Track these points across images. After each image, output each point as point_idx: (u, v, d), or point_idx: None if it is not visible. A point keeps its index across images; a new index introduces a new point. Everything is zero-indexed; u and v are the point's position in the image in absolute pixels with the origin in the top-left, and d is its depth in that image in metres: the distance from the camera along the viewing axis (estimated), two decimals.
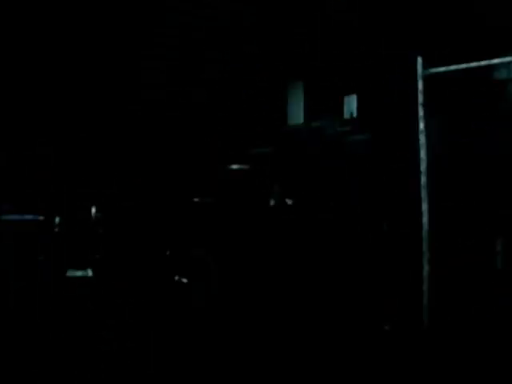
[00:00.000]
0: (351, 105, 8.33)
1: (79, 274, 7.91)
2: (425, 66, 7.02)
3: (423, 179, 6.92)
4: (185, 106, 11.26)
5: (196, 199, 8.63)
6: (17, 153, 10.29)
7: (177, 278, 7.60)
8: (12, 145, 10.34)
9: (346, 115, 8.29)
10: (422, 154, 6.98)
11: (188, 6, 11.09)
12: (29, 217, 8.13)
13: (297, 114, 9.25)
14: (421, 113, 7.02)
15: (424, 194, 6.89)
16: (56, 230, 8.49)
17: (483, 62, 6.82)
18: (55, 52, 10.62)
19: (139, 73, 11.23)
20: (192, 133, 11.09)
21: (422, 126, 7.02)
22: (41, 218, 8.13)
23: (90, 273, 7.91)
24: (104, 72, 11.02)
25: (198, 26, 11.21)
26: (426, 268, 6.62)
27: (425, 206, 6.86)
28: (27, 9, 10.43)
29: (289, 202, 7.47)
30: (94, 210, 8.72)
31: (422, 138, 6.97)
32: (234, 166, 8.78)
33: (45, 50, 10.56)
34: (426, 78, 7.08)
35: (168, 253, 7.90)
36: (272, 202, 8.35)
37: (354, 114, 8.21)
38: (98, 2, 10.71)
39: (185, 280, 7.46)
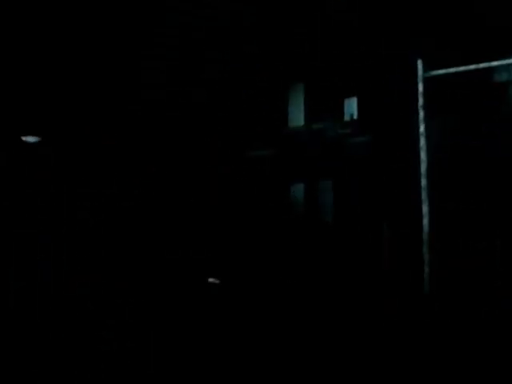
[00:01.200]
0: (352, 107, 8.34)
1: None
2: (425, 69, 7.04)
3: (423, 181, 6.95)
4: (185, 106, 11.26)
5: None
6: (17, 153, 10.28)
7: None
8: (12, 145, 10.33)
9: (347, 117, 8.30)
10: (422, 155, 7.00)
11: (188, 5, 11.08)
12: None
13: (297, 116, 9.26)
14: (421, 115, 7.04)
15: (424, 195, 6.91)
16: None
17: (482, 65, 6.84)
18: (56, 52, 10.61)
19: (139, 73, 11.22)
20: (192, 133, 11.09)
21: (422, 128, 7.04)
22: None
23: None
24: (104, 72, 11.02)
25: (198, 26, 11.20)
26: (426, 270, 6.65)
27: (425, 208, 6.88)
28: (28, 9, 10.41)
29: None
30: None
31: (422, 140, 6.99)
32: None
33: (46, 51, 10.54)
34: (426, 80, 7.09)
35: None
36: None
37: (355, 116, 8.23)
38: (99, 2, 10.70)
39: None
